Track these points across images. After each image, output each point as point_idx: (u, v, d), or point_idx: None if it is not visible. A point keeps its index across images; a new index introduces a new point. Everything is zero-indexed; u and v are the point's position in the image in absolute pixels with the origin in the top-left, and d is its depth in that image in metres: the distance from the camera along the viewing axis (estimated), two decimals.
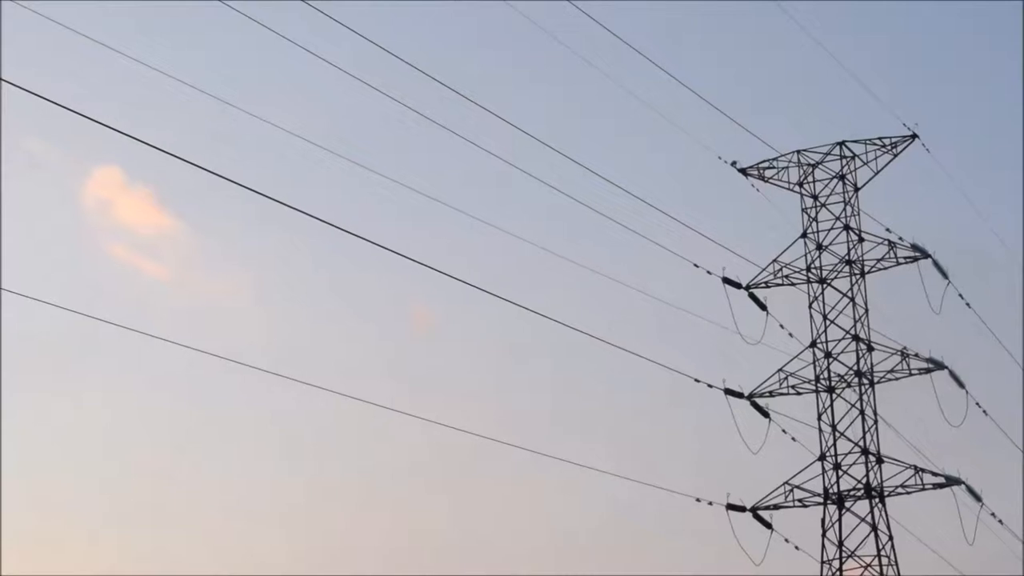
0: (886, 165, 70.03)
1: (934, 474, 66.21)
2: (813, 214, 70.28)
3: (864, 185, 70.15)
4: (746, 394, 68.41)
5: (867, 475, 66.35)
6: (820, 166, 70.62)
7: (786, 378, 68.45)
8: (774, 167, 71.35)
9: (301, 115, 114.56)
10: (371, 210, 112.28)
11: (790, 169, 71.08)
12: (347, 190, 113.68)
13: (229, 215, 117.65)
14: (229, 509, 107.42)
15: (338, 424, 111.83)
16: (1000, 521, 67.97)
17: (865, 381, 67.47)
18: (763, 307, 69.68)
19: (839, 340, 68.32)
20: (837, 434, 67.16)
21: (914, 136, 69.90)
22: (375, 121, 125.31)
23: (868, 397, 67.38)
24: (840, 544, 66.24)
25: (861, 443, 66.76)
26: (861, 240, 69.31)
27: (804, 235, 70.15)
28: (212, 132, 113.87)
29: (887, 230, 69.35)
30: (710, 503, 66.03)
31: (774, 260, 69.85)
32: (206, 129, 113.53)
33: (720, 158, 71.67)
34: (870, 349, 67.86)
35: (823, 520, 66.74)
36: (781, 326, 69.55)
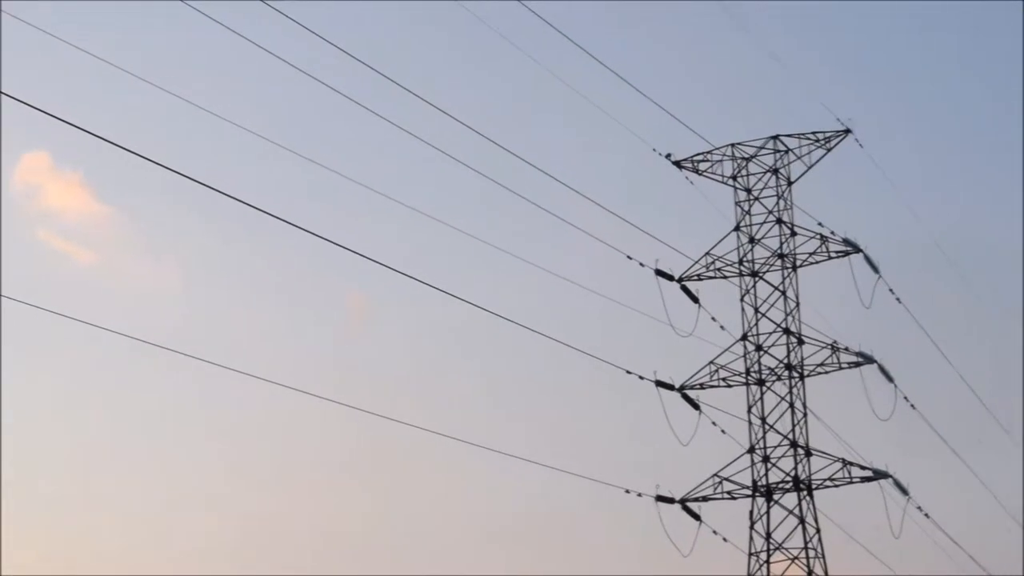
0: (819, 159, 70.36)
1: (862, 467, 66.61)
2: (746, 207, 70.53)
3: (797, 179, 70.51)
4: (677, 386, 68.59)
5: (795, 468, 66.70)
6: (754, 160, 70.86)
7: (717, 370, 68.68)
8: (708, 160, 71.53)
9: (235, 101, 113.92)
10: (306, 198, 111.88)
11: (724, 162, 71.28)
12: (281, 177, 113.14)
13: (159, 200, 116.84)
14: (155, 495, 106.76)
15: (268, 411, 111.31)
16: (926, 515, 68.53)
17: (795, 374, 67.82)
18: (695, 299, 69.86)
19: (770, 333, 68.62)
20: (766, 427, 67.48)
21: (847, 131, 70.23)
22: (312, 110, 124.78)
23: (798, 390, 67.73)
24: (768, 536, 66.58)
25: (790, 436, 67.10)
26: (793, 234, 69.63)
27: (737, 228, 70.37)
28: (142, 116, 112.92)
29: (819, 224, 69.75)
30: (639, 494, 66.19)
31: (707, 253, 70.05)
32: (136, 113, 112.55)
33: (655, 150, 71.78)
34: (800, 342, 68.20)
35: (751, 512, 67.08)
36: (713, 319, 69.79)
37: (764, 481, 66.98)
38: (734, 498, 67.64)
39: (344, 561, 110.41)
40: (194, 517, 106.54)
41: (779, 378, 67.97)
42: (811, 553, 65.97)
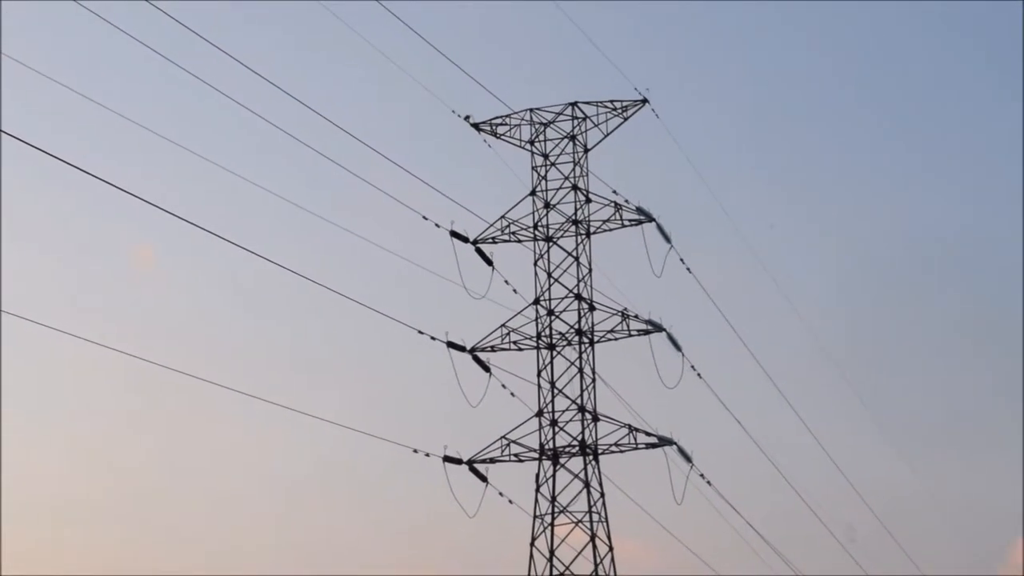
0: (616, 128, 70.97)
1: (647, 434, 67.51)
2: (543, 173, 70.86)
3: (594, 147, 71.00)
4: (468, 348, 68.71)
5: (583, 432, 67.35)
6: (552, 125, 71.17)
7: (508, 334, 68.97)
8: (507, 124, 71.66)
9: (22, 40, 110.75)
10: (90, 142, 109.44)
11: (522, 127, 71.51)
12: (63, 120, 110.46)
13: None
14: None
15: (50, 360, 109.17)
16: (708, 482, 69.69)
17: (585, 340, 68.42)
18: (489, 262, 70.02)
19: (562, 298, 69.11)
20: (555, 391, 68.01)
21: (644, 101, 70.89)
22: (99, 51, 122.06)
23: (587, 356, 68.36)
24: (553, 499, 67.17)
25: (578, 401, 67.71)
26: (588, 201, 70.13)
27: (533, 193, 70.67)
28: None
29: (614, 192, 70.38)
30: (427, 455, 66.21)
31: (502, 216, 70.25)
32: None
33: (454, 112, 71.71)
34: (592, 308, 68.79)
35: (537, 475, 67.60)
36: (506, 282, 70.03)
37: (551, 445, 67.53)
38: (521, 461, 68.09)
39: (124, 518, 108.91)
40: None
41: (569, 343, 68.53)
42: (595, 517, 66.80)
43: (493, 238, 70.18)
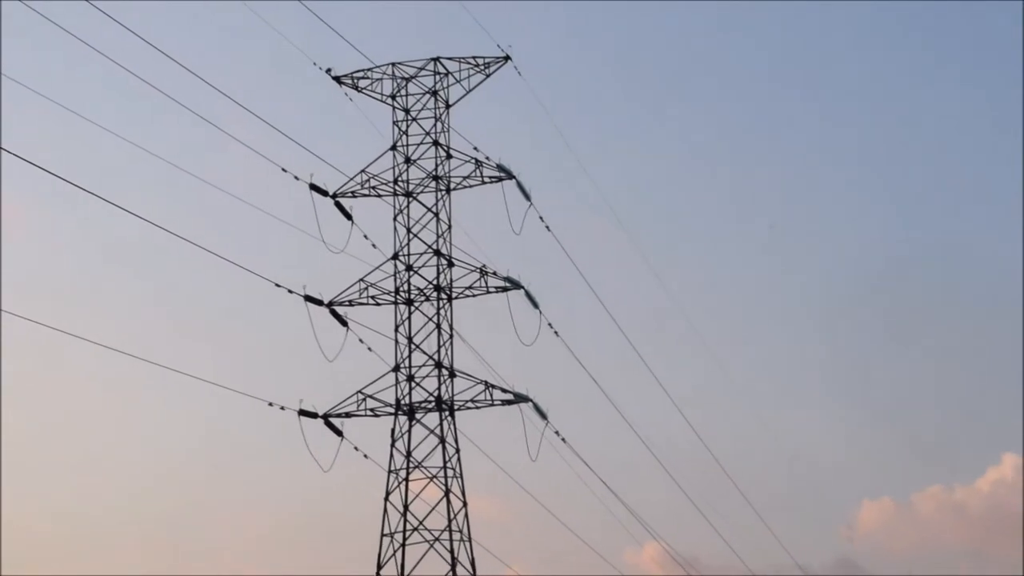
0: (478, 84, 71.01)
1: (503, 390, 67.86)
2: (404, 127, 70.68)
3: (456, 103, 70.97)
4: (326, 302, 68.48)
5: (439, 388, 67.54)
6: (414, 80, 70.99)
7: (366, 288, 68.90)
8: (368, 77, 71.36)
9: None
10: None
11: (384, 81, 71.23)
12: None
13: None
14: None
15: None
16: (564, 439, 70.21)
17: (443, 296, 68.52)
18: (348, 216, 69.80)
19: (421, 254, 69.12)
20: (413, 346, 68.08)
21: (507, 58, 70.94)
22: None
23: (445, 312, 68.52)
24: (408, 455, 67.33)
25: (435, 357, 67.86)
26: (449, 157, 70.13)
27: (394, 148, 70.49)
28: None
29: (475, 149, 70.37)
30: (282, 408, 65.93)
31: (362, 171, 70.02)
32: None
33: (315, 64, 71.22)
34: (450, 265, 68.90)
35: (393, 430, 67.73)
36: (365, 236, 69.89)
37: (407, 400, 67.64)
38: (377, 415, 68.20)
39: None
40: None
41: (427, 299, 68.62)
42: (450, 473, 67.09)
43: (353, 192, 69.98)
